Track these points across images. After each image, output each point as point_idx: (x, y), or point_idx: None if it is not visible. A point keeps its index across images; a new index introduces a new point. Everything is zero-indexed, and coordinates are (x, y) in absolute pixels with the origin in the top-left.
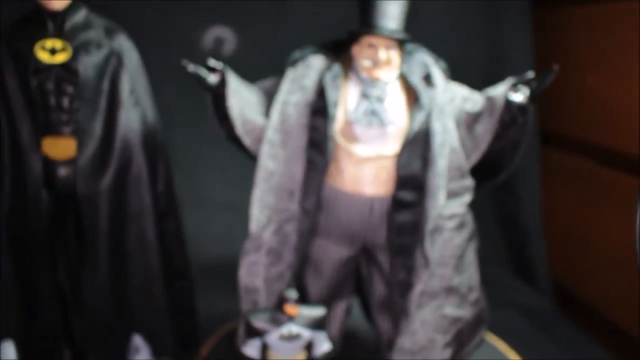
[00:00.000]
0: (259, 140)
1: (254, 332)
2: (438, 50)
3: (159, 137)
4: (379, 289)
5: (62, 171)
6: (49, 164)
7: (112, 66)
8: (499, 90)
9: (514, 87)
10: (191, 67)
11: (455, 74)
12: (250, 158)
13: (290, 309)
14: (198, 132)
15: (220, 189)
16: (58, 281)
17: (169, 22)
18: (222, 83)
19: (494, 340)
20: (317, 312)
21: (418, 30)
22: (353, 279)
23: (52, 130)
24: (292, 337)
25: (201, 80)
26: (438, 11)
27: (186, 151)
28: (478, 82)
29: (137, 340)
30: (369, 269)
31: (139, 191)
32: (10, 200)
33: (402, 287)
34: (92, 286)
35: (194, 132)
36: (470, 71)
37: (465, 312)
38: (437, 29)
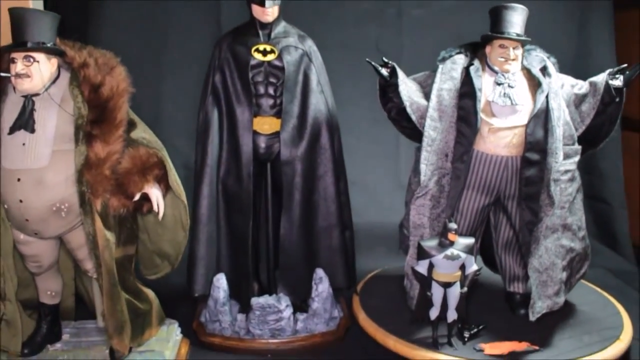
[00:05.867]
0: (422, 117)
1: (424, 255)
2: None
3: (335, 117)
4: (506, 232)
5: (267, 142)
6: (255, 137)
7: (305, 63)
8: (601, 77)
9: (612, 74)
10: (371, 63)
11: None
12: (405, 136)
13: (452, 236)
14: None
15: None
16: (255, 230)
17: (336, 28)
18: (392, 75)
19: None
20: (469, 240)
21: None
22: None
23: (262, 112)
24: (453, 258)
25: (377, 72)
26: (530, 15)
27: None
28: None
29: (320, 273)
30: (498, 216)
31: (324, 157)
32: (226, 165)
33: (528, 226)
34: (287, 228)
35: None
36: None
37: (576, 245)
38: (530, 31)
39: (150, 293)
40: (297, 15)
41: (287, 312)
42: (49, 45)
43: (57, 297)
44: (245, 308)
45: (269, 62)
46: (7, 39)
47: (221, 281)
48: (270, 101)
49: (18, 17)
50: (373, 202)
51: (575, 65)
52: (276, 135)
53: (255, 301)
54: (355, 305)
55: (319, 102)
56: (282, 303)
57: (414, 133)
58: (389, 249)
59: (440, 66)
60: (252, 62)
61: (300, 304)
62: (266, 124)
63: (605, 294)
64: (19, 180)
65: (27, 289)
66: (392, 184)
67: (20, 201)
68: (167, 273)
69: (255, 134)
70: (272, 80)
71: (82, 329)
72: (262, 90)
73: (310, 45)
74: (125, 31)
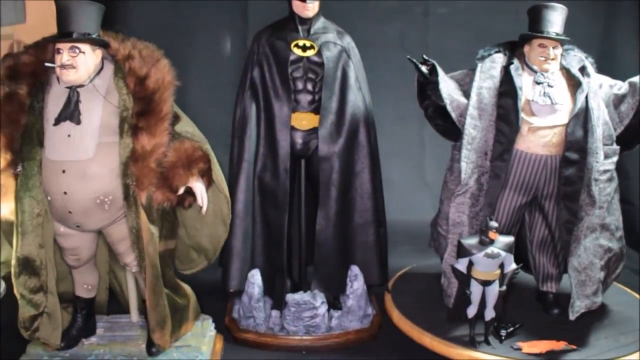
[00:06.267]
0: (461, 115)
1: (464, 252)
2: None
3: (372, 114)
4: (541, 231)
5: (304, 138)
6: (293, 133)
7: (343, 59)
8: None
9: None
10: (412, 60)
11: None
12: (439, 133)
13: (493, 234)
14: None
15: None
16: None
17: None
18: (431, 72)
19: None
20: (509, 239)
21: None
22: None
23: (300, 107)
24: (493, 256)
25: (417, 70)
26: None
27: None
28: None
29: (356, 270)
30: (534, 215)
31: (362, 154)
32: (263, 160)
33: (566, 225)
34: (323, 225)
35: None
36: None
37: (614, 245)
38: None
39: (187, 288)
40: (322, 13)
41: (322, 309)
42: (94, 36)
43: (94, 291)
44: (280, 304)
45: (308, 58)
46: (32, 33)
47: (256, 277)
48: (309, 97)
49: (64, 8)
50: (397, 200)
51: (600, 66)
52: (314, 131)
53: (291, 297)
54: (387, 303)
55: (357, 98)
56: (318, 300)
57: (448, 130)
58: (414, 247)
59: (480, 65)
60: (292, 58)
61: (333, 301)
62: (304, 120)
63: (635, 294)
64: (63, 172)
65: (63, 282)
66: (416, 182)
67: (65, 193)
68: (203, 268)
69: (293, 129)
70: (311, 76)
71: (116, 323)
72: (300, 86)
73: (348, 41)
74: (151, 29)
